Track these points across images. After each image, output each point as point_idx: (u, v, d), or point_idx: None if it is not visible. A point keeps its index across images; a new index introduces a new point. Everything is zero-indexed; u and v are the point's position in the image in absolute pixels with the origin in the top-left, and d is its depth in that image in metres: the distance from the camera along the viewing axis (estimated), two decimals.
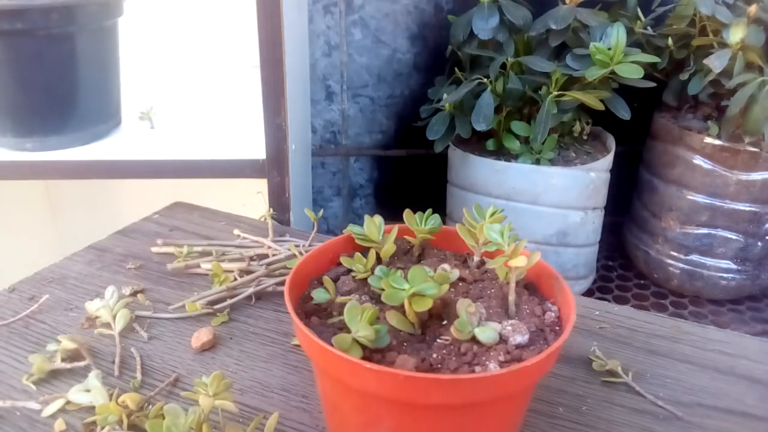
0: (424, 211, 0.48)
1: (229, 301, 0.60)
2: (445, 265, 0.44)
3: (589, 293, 1.35)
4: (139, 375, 0.50)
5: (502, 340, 0.37)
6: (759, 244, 1.26)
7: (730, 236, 1.25)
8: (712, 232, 1.26)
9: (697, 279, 1.31)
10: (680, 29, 1.20)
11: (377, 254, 0.46)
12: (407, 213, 0.47)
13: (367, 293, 0.42)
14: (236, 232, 0.73)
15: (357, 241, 0.47)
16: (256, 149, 0.83)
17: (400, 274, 0.38)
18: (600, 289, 1.40)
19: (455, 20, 1.25)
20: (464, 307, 0.37)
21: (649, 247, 1.36)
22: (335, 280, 0.44)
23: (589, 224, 1.24)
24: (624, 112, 1.15)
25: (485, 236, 0.42)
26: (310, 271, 0.45)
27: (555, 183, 1.17)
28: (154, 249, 0.70)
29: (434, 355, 0.36)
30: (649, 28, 1.23)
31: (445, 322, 0.39)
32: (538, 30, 1.15)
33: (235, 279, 0.62)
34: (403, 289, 0.37)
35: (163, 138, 0.92)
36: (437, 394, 0.34)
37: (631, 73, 1.06)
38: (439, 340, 0.38)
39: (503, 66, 1.17)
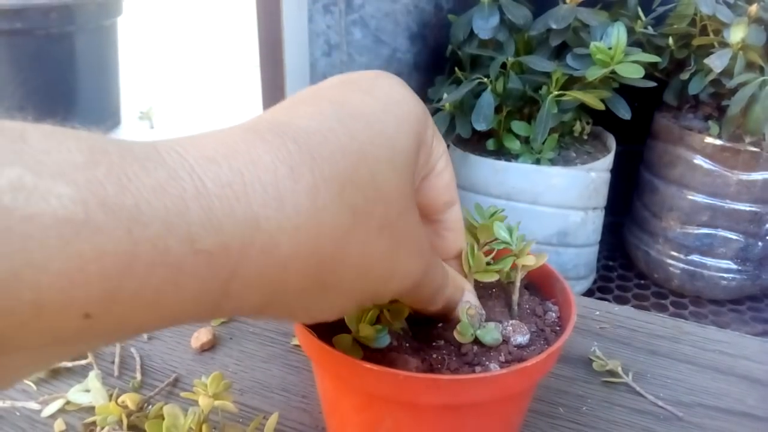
0: None
1: None
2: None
3: (589, 293, 1.35)
4: (138, 375, 0.50)
5: (503, 340, 0.37)
6: (759, 244, 1.26)
7: (730, 236, 1.25)
8: (713, 232, 1.26)
9: (697, 279, 1.31)
10: (681, 29, 1.20)
11: None
12: None
13: None
14: None
15: None
16: None
17: None
18: (600, 289, 1.40)
19: (455, 20, 1.25)
20: (464, 310, 0.37)
21: (649, 247, 1.36)
22: None
23: (589, 224, 1.24)
24: (624, 112, 1.15)
25: (487, 235, 0.42)
26: None
27: (555, 183, 1.17)
28: None
29: (434, 356, 0.36)
30: (649, 27, 1.23)
31: (442, 326, 0.39)
32: (539, 29, 1.15)
33: None
34: None
35: (163, 137, 0.92)
36: (437, 394, 0.33)
37: (632, 72, 1.06)
38: (438, 343, 0.38)
39: (503, 65, 1.17)
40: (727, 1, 1.15)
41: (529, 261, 0.39)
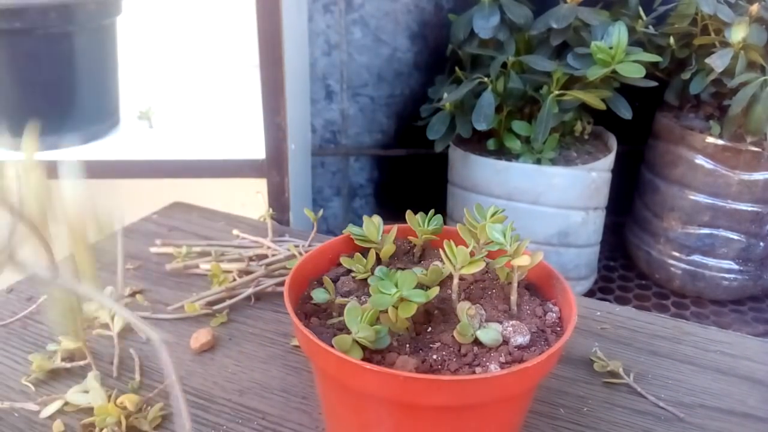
0: (424, 211, 0.47)
1: (228, 302, 0.59)
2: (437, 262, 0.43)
3: (590, 294, 1.34)
4: (137, 376, 0.50)
5: (503, 341, 0.37)
6: (761, 244, 1.26)
7: (732, 236, 1.25)
8: (714, 232, 1.26)
9: (698, 279, 1.31)
10: (682, 28, 1.20)
11: (377, 255, 0.46)
12: (409, 214, 0.47)
13: (367, 294, 0.42)
14: (235, 232, 0.72)
15: (356, 242, 0.47)
16: (256, 149, 0.83)
17: (397, 276, 0.38)
18: (601, 289, 1.40)
19: (456, 19, 1.25)
20: (464, 310, 0.37)
21: (650, 248, 1.36)
22: (335, 281, 0.43)
23: (590, 224, 1.24)
24: (625, 112, 1.15)
25: (486, 236, 0.41)
26: (310, 271, 0.45)
27: (556, 183, 1.17)
28: (153, 249, 0.70)
29: (434, 356, 0.36)
30: (650, 27, 1.22)
31: (442, 327, 0.39)
32: (539, 29, 1.15)
33: (234, 279, 0.62)
34: (390, 294, 0.36)
35: (162, 137, 0.92)
36: (437, 395, 0.33)
37: (633, 72, 1.06)
38: (438, 343, 0.37)
39: (504, 65, 1.17)
40: (728, 0, 1.15)
41: (524, 261, 0.39)
